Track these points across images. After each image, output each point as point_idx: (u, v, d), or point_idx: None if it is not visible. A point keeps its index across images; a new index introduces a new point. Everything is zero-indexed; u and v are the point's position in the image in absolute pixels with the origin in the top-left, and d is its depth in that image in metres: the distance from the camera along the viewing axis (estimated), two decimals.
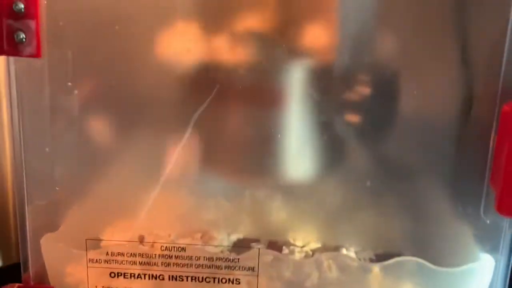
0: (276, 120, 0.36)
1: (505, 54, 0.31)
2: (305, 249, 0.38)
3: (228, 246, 0.36)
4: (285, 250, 0.37)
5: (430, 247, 0.36)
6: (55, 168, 0.36)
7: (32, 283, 0.37)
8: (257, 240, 0.37)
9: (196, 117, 0.35)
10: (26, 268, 0.37)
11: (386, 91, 0.35)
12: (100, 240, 0.36)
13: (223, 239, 0.37)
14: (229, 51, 0.35)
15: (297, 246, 0.37)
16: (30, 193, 0.36)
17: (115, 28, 0.34)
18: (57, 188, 0.37)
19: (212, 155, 0.37)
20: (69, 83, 0.34)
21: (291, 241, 0.38)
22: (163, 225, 0.37)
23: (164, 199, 0.37)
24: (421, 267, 0.36)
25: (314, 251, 0.37)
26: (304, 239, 0.38)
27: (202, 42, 0.35)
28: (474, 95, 0.33)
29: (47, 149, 0.36)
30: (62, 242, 0.37)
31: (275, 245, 0.37)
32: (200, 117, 0.35)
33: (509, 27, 0.31)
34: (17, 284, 0.36)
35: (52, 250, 0.37)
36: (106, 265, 0.36)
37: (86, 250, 0.36)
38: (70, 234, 0.37)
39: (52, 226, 0.37)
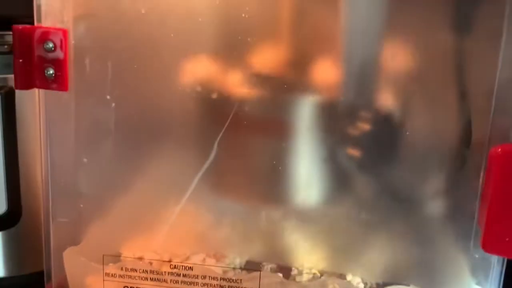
0: (282, 151, 0.39)
1: (493, 101, 0.33)
2: (312, 271, 0.40)
3: (234, 267, 0.39)
4: (294, 271, 0.40)
5: (427, 277, 0.38)
6: (80, 187, 0.40)
7: None
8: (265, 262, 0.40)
9: (216, 144, 0.38)
10: (49, 278, 0.41)
11: (384, 129, 0.37)
12: (116, 256, 0.40)
13: (235, 259, 0.40)
14: (242, 86, 0.38)
15: (305, 270, 0.40)
16: (55, 210, 0.40)
17: (141, 57, 0.37)
18: (81, 205, 0.41)
19: (228, 179, 0.40)
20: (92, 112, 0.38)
21: (299, 265, 0.40)
22: (180, 243, 0.40)
23: (182, 219, 0.40)
24: None
25: (320, 275, 0.40)
26: (312, 264, 0.40)
27: (219, 75, 0.38)
28: (470, 139, 0.35)
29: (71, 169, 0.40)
30: (83, 255, 0.40)
31: (284, 268, 0.40)
32: (219, 143, 0.38)
33: (496, 78, 0.33)
34: None
35: (73, 263, 0.41)
36: (121, 279, 0.40)
37: (103, 265, 0.40)
38: (90, 248, 0.41)
39: (74, 240, 0.41)
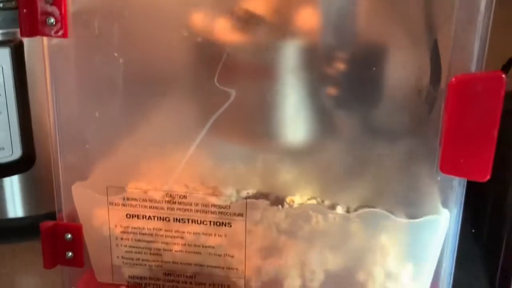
0: (271, 91, 0.42)
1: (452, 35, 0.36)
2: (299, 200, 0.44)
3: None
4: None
5: (401, 202, 0.42)
6: (86, 130, 0.44)
7: (65, 221, 0.46)
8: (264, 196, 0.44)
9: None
10: (60, 210, 0.46)
11: (360, 68, 0.41)
12: (119, 187, 0.44)
13: (231, 195, 0.44)
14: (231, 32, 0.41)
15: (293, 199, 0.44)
16: (63, 150, 0.44)
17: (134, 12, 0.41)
18: (87, 146, 0.45)
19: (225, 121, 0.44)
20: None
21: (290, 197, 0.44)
22: (182, 180, 0.45)
23: (182, 161, 0.44)
24: (388, 219, 0.42)
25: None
26: (302, 196, 0.44)
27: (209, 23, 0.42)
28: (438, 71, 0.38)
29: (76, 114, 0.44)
30: (89, 189, 0.45)
31: (278, 200, 0.44)
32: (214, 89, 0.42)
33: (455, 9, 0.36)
34: (52, 222, 0.45)
35: (81, 195, 0.45)
36: (123, 207, 0.44)
37: (107, 195, 0.44)
38: (96, 183, 0.45)
39: (82, 176, 0.46)
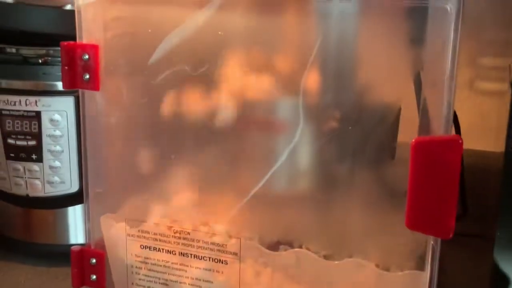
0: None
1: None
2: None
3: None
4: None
5: (376, 253, 0.44)
6: (111, 169, 0.52)
7: (92, 247, 0.53)
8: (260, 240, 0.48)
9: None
10: (89, 238, 0.53)
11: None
12: (136, 220, 0.51)
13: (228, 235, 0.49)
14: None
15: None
16: (92, 184, 0.52)
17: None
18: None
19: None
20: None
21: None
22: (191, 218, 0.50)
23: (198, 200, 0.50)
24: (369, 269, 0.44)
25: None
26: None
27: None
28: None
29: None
30: (114, 220, 0.52)
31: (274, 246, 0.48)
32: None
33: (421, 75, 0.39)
34: (80, 247, 0.52)
35: (107, 226, 0.52)
36: (138, 239, 0.51)
37: (125, 227, 0.51)
38: (121, 215, 0.52)
39: (110, 209, 0.53)
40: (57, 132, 0.66)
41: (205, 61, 0.46)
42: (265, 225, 0.48)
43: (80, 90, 0.49)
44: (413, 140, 0.38)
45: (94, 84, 0.48)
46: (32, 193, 0.68)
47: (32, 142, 0.67)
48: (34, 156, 0.67)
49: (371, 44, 0.44)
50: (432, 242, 0.42)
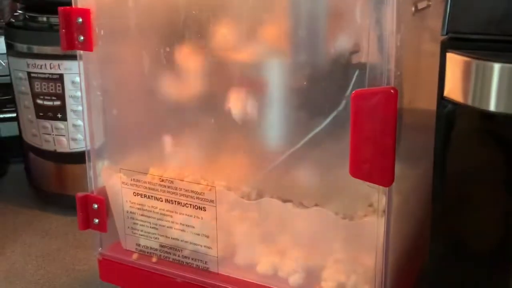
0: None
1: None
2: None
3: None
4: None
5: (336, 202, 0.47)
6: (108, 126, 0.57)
7: (95, 194, 0.58)
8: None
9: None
10: (92, 186, 0.59)
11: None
12: (129, 170, 0.56)
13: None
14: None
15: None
16: (94, 136, 0.57)
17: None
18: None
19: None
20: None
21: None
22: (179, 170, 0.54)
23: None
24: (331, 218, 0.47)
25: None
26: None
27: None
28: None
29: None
30: (114, 171, 0.57)
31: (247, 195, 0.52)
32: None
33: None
34: (84, 193, 0.58)
35: (107, 175, 0.58)
36: (131, 187, 0.56)
37: (120, 176, 0.56)
38: (119, 166, 0.57)
39: (111, 160, 0.58)
40: (78, 94, 0.73)
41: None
42: (239, 176, 0.52)
43: (77, 52, 0.54)
44: (353, 93, 0.40)
45: (88, 46, 0.53)
46: (59, 149, 0.76)
47: (58, 102, 0.74)
48: (59, 115, 0.74)
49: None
50: (383, 191, 0.44)
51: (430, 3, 0.49)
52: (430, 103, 0.52)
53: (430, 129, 0.48)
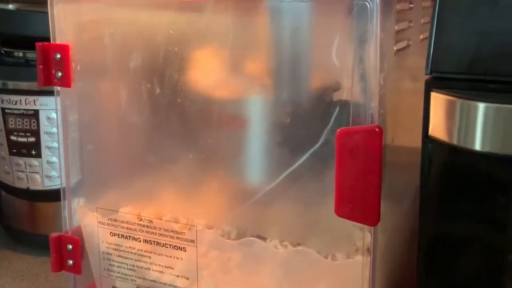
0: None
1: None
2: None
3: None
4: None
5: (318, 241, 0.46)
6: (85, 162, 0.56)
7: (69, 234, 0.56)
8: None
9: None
10: (67, 225, 0.57)
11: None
12: (106, 209, 0.54)
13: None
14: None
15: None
16: (69, 174, 0.56)
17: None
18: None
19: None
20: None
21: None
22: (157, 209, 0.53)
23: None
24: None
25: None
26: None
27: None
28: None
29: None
30: (90, 210, 0.56)
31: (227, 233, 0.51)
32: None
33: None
34: (58, 233, 0.56)
35: (83, 214, 0.56)
36: (108, 227, 0.54)
37: (97, 216, 0.54)
38: (94, 205, 0.56)
39: (86, 199, 0.56)
40: (54, 130, 0.71)
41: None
42: (220, 214, 0.51)
43: (55, 88, 0.53)
44: (337, 131, 0.40)
45: (66, 82, 0.52)
46: (32, 186, 0.73)
47: (32, 139, 0.72)
48: (33, 152, 0.72)
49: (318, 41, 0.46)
50: (368, 230, 0.43)
51: (410, 42, 0.50)
52: (411, 140, 0.52)
53: (412, 166, 0.48)
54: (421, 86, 0.37)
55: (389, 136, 0.45)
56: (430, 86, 0.36)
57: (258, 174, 0.51)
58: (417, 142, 0.54)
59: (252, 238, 0.49)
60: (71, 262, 0.56)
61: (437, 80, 0.36)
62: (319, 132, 0.45)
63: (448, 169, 0.36)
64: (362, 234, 0.44)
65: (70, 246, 0.56)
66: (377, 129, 0.38)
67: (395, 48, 0.44)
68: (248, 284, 0.50)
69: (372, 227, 0.43)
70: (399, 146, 0.51)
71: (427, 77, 0.37)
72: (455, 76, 0.35)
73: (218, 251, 0.50)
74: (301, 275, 0.48)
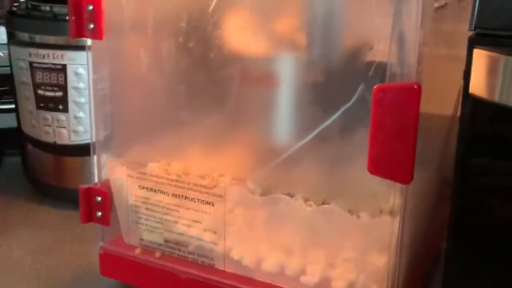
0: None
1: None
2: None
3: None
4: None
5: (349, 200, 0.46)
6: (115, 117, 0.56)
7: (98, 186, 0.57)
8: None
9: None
10: (96, 178, 0.57)
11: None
12: (135, 162, 0.55)
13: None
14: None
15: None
16: (99, 127, 0.56)
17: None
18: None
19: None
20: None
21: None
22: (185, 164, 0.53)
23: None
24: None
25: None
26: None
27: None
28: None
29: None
30: (118, 163, 0.56)
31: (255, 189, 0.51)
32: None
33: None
34: (88, 186, 0.57)
35: (112, 168, 0.56)
36: (136, 180, 0.55)
37: (126, 169, 0.55)
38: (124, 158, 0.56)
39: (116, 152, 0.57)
40: (81, 85, 0.71)
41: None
42: (248, 171, 0.51)
43: (86, 42, 0.53)
44: (375, 87, 0.39)
45: (98, 34, 0.52)
46: (59, 141, 0.74)
47: (59, 93, 0.72)
48: (60, 106, 0.72)
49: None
50: (398, 190, 0.43)
51: (448, 1, 0.49)
52: (441, 108, 0.52)
53: (439, 134, 0.48)
54: (453, 52, 0.37)
55: (423, 98, 0.45)
56: (473, 42, 0.35)
57: (286, 133, 0.51)
58: (447, 110, 0.54)
59: (278, 195, 0.49)
60: (99, 213, 0.57)
61: (481, 37, 0.35)
62: (353, 91, 0.44)
63: (488, 127, 0.36)
64: (387, 195, 0.44)
65: (99, 198, 0.57)
66: (415, 86, 0.38)
67: (435, 5, 0.43)
68: (273, 242, 0.50)
69: (404, 186, 0.42)
70: (428, 112, 0.50)
71: (469, 34, 0.37)
72: (499, 33, 0.35)
73: (244, 207, 0.50)
74: (326, 233, 0.48)
